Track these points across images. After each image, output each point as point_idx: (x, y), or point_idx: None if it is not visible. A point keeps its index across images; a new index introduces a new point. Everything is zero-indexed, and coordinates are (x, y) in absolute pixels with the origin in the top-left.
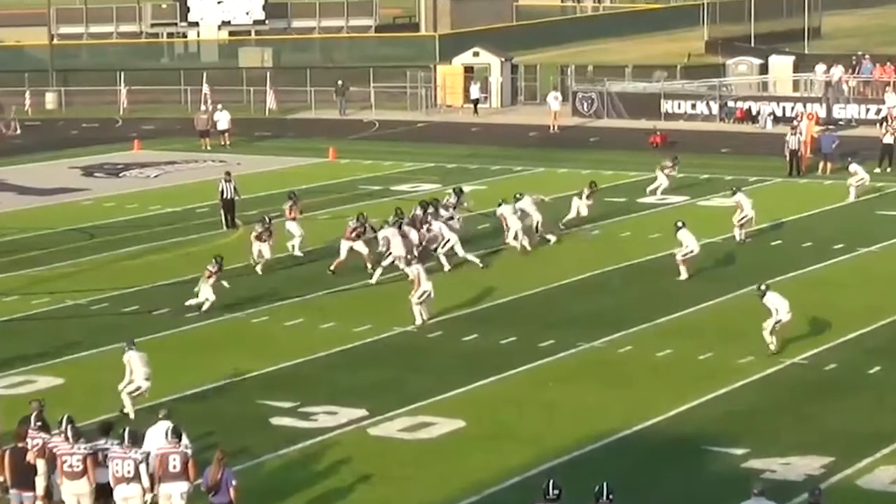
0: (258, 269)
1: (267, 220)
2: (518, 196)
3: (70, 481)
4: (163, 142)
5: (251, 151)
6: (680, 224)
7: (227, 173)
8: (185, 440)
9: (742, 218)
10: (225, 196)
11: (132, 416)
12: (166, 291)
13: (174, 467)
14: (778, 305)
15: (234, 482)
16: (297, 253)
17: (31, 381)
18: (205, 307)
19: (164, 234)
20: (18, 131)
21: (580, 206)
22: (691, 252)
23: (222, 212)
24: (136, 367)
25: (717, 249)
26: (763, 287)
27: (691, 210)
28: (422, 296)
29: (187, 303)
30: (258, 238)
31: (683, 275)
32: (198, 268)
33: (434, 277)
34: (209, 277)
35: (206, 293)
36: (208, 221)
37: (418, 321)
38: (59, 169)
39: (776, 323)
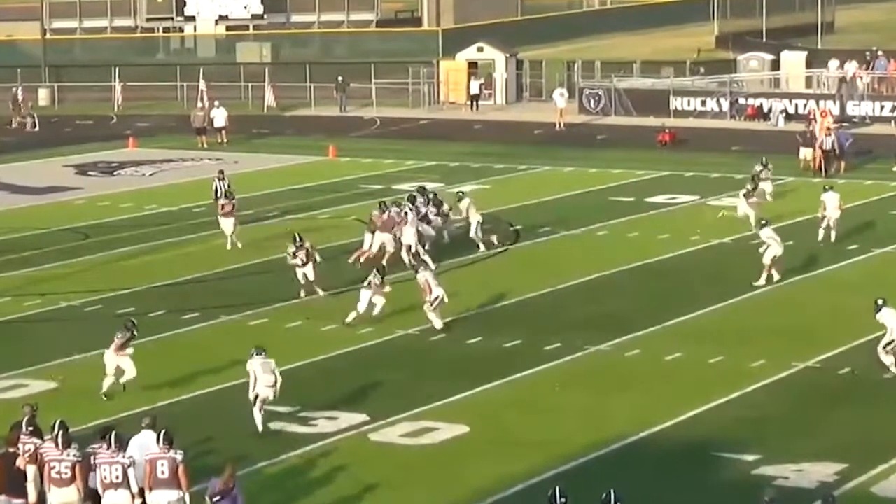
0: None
1: (297, 237)
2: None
3: (58, 489)
4: (158, 139)
5: (249, 149)
6: (763, 221)
7: (221, 171)
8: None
9: (823, 218)
10: (219, 195)
11: (261, 429)
12: (163, 292)
13: (162, 473)
14: (894, 324)
15: (240, 499)
16: (239, 245)
17: (23, 385)
18: (376, 312)
19: (160, 233)
20: (37, 128)
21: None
22: (776, 255)
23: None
24: (260, 376)
25: (727, 250)
26: (880, 302)
27: (701, 210)
28: (434, 301)
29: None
30: (294, 258)
31: (761, 280)
32: (196, 268)
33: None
34: (374, 287)
35: (377, 302)
36: (205, 221)
37: (438, 326)
38: (52, 167)
39: (890, 343)
